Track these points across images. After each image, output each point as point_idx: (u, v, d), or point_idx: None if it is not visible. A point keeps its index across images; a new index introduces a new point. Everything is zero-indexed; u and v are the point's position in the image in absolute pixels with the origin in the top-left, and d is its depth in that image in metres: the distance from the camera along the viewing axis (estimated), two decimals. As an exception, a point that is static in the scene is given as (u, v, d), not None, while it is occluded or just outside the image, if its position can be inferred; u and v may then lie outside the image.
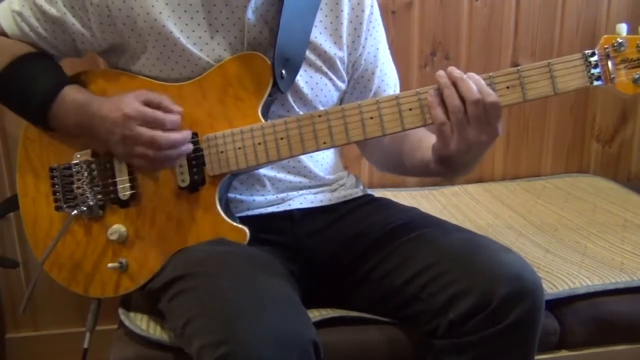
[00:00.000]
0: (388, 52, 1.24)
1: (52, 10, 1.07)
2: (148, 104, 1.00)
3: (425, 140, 1.09)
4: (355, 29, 1.15)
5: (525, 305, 0.95)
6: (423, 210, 1.21)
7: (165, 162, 1.03)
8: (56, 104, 1.05)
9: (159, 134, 0.99)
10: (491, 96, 0.93)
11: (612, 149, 2.03)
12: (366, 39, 1.17)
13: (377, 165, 1.31)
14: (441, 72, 0.95)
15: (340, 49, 1.14)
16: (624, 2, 1.90)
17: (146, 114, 0.99)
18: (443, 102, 0.94)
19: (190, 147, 1.03)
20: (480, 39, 1.86)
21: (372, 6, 1.17)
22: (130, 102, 1.00)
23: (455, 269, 1.00)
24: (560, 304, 1.23)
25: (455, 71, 0.95)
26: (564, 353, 1.24)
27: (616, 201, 1.74)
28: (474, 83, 0.93)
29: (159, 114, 1.00)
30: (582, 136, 2.00)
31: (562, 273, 1.29)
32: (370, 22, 1.17)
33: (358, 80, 1.20)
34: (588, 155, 2.02)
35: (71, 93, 1.06)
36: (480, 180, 1.96)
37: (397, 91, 1.24)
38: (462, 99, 0.93)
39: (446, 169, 1.02)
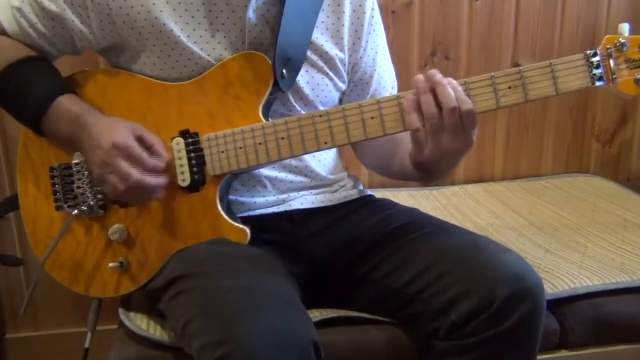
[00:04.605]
0: (387, 53, 1.24)
1: (52, 7, 1.06)
2: (140, 140, 1.00)
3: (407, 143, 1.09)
4: (356, 30, 1.15)
5: (527, 306, 0.95)
6: (423, 210, 1.21)
7: (132, 200, 1.04)
8: (50, 112, 1.04)
9: (135, 173, 0.97)
10: (467, 104, 0.93)
11: (612, 149, 2.03)
12: (367, 41, 1.17)
13: (365, 162, 1.30)
14: (420, 77, 0.95)
15: (341, 50, 1.14)
16: (624, 2, 1.90)
17: (132, 150, 0.98)
18: (419, 108, 0.94)
19: (160, 195, 1.02)
20: (480, 39, 1.86)
21: (372, 9, 1.17)
22: (123, 132, 0.99)
23: (456, 270, 0.99)
24: (561, 304, 1.24)
25: (437, 75, 0.94)
26: (564, 353, 1.24)
27: (616, 201, 1.74)
28: (452, 89, 0.93)
29: (143, 155, 0.99)
30: (582, 136, 2.00)
31: (562, 273, 1.29)
32: (371, 24, 1.17)
33: (357, 82, 1.20)
34: (588, 155, 2.02)
35: (66, 103, 1.05)
36: (480, 180, 1.96)
37: (395, 92, 1.23)
38: (439, 106, 0.93)
39: (423, 174, 1.04)
